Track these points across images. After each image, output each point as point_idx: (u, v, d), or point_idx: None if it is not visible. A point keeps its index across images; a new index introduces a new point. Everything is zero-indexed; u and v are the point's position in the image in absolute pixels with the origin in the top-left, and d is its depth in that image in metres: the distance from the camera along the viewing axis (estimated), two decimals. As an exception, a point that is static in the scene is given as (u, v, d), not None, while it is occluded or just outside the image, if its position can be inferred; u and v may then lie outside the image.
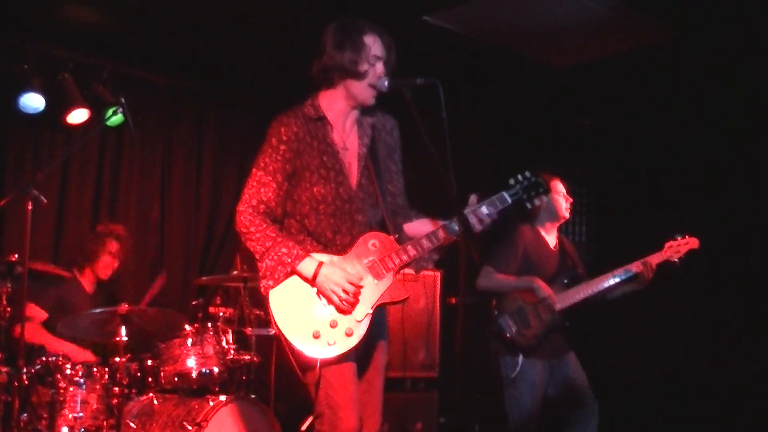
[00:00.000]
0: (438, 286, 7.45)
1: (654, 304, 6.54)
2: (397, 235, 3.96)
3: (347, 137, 3.97)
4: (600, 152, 8.50)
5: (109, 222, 6.79)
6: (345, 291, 3.76)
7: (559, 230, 5.98)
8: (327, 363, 3.76)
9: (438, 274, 7.42)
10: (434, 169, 3.57)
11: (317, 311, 3.79)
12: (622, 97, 7.77)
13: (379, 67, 3.88)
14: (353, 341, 3.78)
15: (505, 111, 8.30)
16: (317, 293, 3.80)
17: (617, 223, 8.39)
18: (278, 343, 3.90)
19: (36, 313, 5.98)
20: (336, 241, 3.89)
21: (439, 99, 3.61)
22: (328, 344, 3.74)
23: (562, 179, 5.87)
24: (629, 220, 8.22)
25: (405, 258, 3.88)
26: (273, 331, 3.85)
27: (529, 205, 4.03)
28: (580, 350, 5.79)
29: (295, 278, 3.81)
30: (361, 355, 3.92)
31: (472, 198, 3.94)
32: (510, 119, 8.48)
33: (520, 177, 3.99)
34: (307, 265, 3.76)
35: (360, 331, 3.80)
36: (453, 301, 7.35)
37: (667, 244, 5.60)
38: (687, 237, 5.60)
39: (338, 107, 3.95)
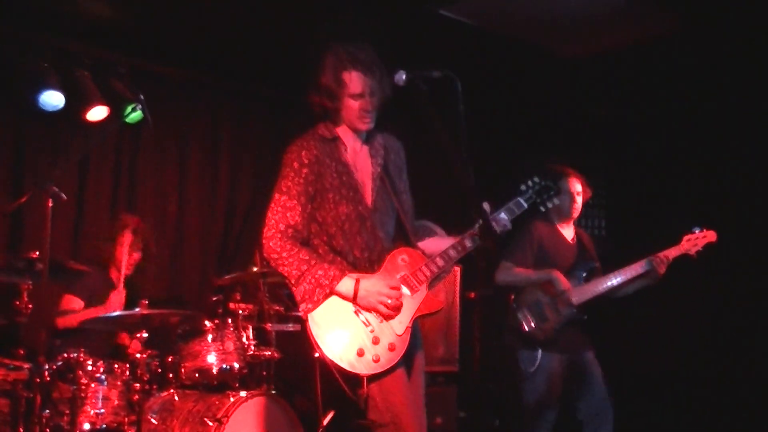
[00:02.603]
0: (457, 281, 7.44)
1: (672, 296, 6.51)
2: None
3: (357, 157, 4.02)
4: (618, 145, 8.47)
5: (123, 215, 6.76)
6: (389, 296, 3.81)
7: (577, 224, 5.97)
8: (377, 377, 3.80)
9: (458, 269, 7.41)
10: (450, 164, 3.56)
11: (358, 329, 3.83)
12: (640, 88, 7.73)
13: (360, 102, 3.92)
14: (396, 356, 3.83)
15: (521, 103, 8.27)
16: (355, 312, 3.84)
17: (636, 216, 8.34)
18: (322, 365, 3.86)
19: (74, 303, 6.06)
20: (364, 258, 3.93)
21: (456, 92, 3.60)
22: (374, 360, 3.79)
23: (577, 174, 5.84)
24: (648, 213, 8.18)
25: (435, 269, 3.95)
26: (317, 355, 3.84)
27: (543, 209, 4.14)
28: (598, 342, 5.78)
29: (331, 299, 3.84)
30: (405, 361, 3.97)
31: (485, 206, 3.96)
32: (526, 111, 8.44)
33: (530, 182, 4.11)
34: (347, 284, 3.81)
35: (402, 345, 3.85)
36: (472, 295, 7.35)
37: (685, 238, 5.57)
38: (705, 230, 5.56)
39: (343, 132, 4.03)
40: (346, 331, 3.81)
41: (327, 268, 3.82)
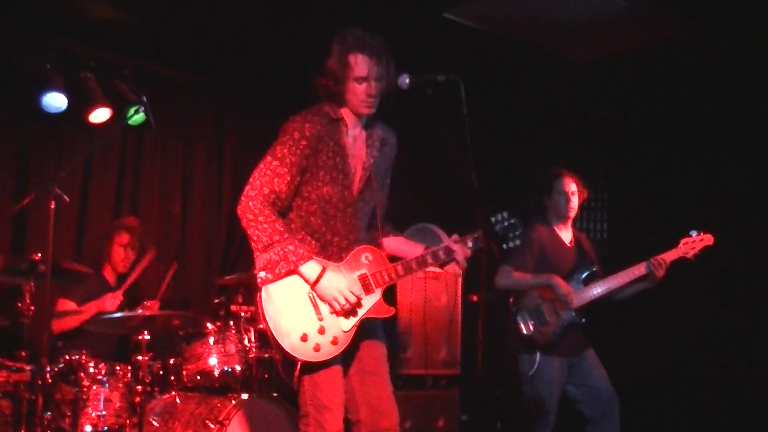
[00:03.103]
0: (459, 284, 7.44)
1: (670, 296, 6.50)
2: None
3: (355, 144, 4.01)
4: (620, 148, 8.47)
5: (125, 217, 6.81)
6: (347, 299, 3.81)
7: (576, 227, 5.98)
8: (311, 365, 3.81)
9: (460, 271, 7.38)
10: (453, 166, 3.56)
11: (308, 315, 3.83)
12: (643, 92, 7.73)
13: (364, 86, 3.90)
14: (337, 350, 3.84)
15: (524, 106, 8.27)
16: (310, 297, 3.83)
17: (637, 218, 8.34)
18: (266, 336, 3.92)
19: (67, 307, 6.06)
20: (334, 242, 3.94)
21: (460, 96, 3.60)
22: (314, 349, 3.79)
23: (572, 174, 5.85)
24: (649, 216, 8.18)
25: (394, 276, 3.96)
26: (261, 326, 3.86)
27: (504, 246, 4.12)
28: (599, 344, 5.78)
29: (291, 278, 3.82)
30: (358, 349, 3.98)
31: (454, 237, 4.04)
32: (529, 114, 8.45)
33: (499, 216, 4.08)
34: (312, 268, 3.80)
35: (344, 341, 3.85)
36: (474, 298, 7.34)
37: (682, 241, 5.60)
38: (702, 234, 5.60)
39: (346, 115, 4.01)
40: (296, 314, 3.81)
41: (297, 246, 3.80)
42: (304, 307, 3.82)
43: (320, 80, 3.97)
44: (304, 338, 3.77)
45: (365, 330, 3.95)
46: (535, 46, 6.86)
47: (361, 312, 3.89)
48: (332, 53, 3.94)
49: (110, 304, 6.00)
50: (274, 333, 3.77)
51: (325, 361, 3.81)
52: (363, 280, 3.92)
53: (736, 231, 6.91)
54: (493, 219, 4.04)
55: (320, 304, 3.84)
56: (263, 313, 3.79)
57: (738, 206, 7.45)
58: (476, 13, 6.31)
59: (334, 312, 3.83)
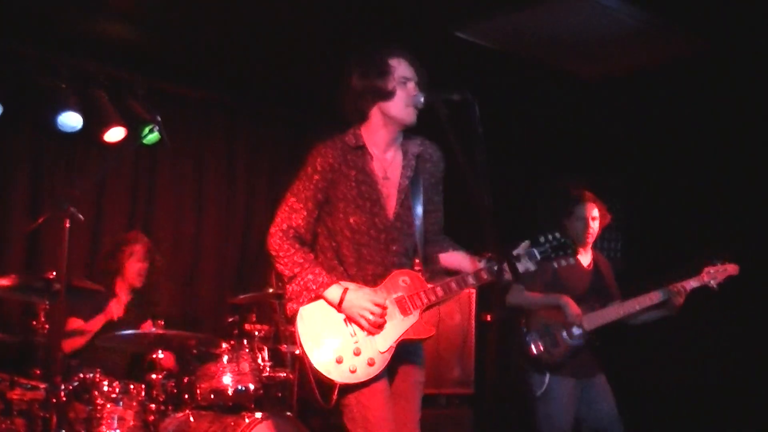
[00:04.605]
0: (473, 303, 7.43)
1: (687, 322, 6.47)
2: (428, 269, 4.01)
3: (389, 166, 3.98)
4: (636, 165, 8.45)
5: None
6: (372, 313, 3.80)
7: (594, 247, 5.92)
8: (352, 387, 3.79)
9: (473, 290, 7.39)
10: (469, 186, 3.55)
11: (343, 337, 3.82)
12: (655, 110, 7.72)
13: (410, 86, 3.89)
14: (374, 371, 3.81)
15: (538, 124, 8.27)
16: (344, 320, 3.84)
17: (653, 237, 8.32)
18: (300, 362, 3.94)
19: (77, 326, 6.06)
20: (368, 271, 3.91)
21: (475, 115, 3.60)
22: (350, 371, 3.77)
23: (596, 199, 5.79)
24: (665, 235, 8.16)
25: (433, 298, 3.92)
26: (297, 351, 3.89)
27: (555, 265, 4.04)
28: (610, 362, 5.75)
29: (323, 302, 3.85)
30: (395, 373, 3.96)
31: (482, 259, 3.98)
32: (543, 133, 8.45)
33: (550, 236, 3.97)
34: (333, 292, 3.82)
35: (382, 362, 3.83)
36: (488, 317, 7.33)
37: (706, 269, 5.51)
38: (726, 263, 5.50)
39: (379, 137, 3.96)
40: (331, 336, 3.81)
41: (318, 274, 3.83)
42: (338, 329, 3.83)
43: (350, 99, 3.93)
44: (339, 360, 3.77)
45: (403, 352, 3.92)
46: (547, 64, 6.87)
47: (397, 333, 3.86)
48: (365, 66, 3.90)
49: (116, 309, 6.03)
50: (309, 356, 3.78)
51: (365, 382, 3.79)
52: (400, 302, 3.89)
53: (751, 248, 6.86)
54: (542, 238, 3.96)
55: (355, 326, 3.84)
56: (298, 339, 3.82)
57: (753, 224, 7.41)
58: (488, 32, 6.33)
59: (364, 330, 3.82)
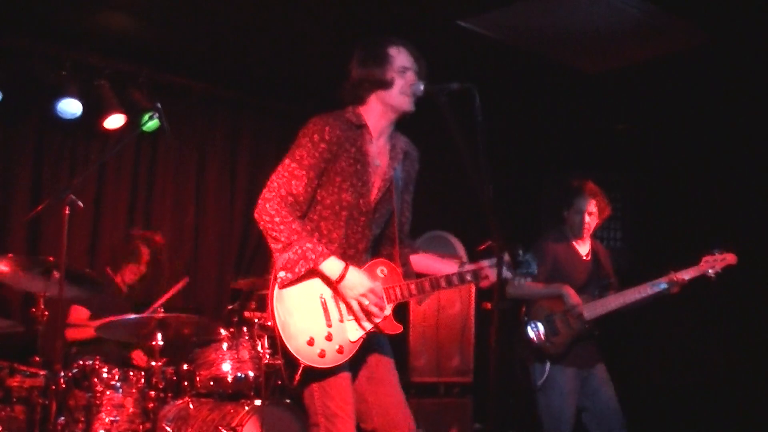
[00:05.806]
0: (473, 292, 7.42)
1: (688, 313, 6.48)
2: (403, 269, 3.99)
3: (379, 153, 3.95)
4: (635, 157, 8.44)
5: (145, 228, 6.84)
6: (373, 299, 3.75)
7: (594, 237, 5.93)
8: (319, 373, 3.75)
9: (473, 280, 7.38)
10: (468, 176, 3.54)
11: (317, 320, 3.76)
12: (657, 102, 7.71)
13: (409, 75, 3.87)
14: (342, 359, 3.76)
15: (538, 116, 8.26)
16: (322, 302, 3.77)
17: (653, 228, 8.31)
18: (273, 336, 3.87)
19: (80, 314, 6.10)
20: (341, 250, 3.85)
21: (475, 104, 3.58)
22: (318, 355, 3.71)
23: (596, 193, 5.78)
24: (665, 226, 8.15)
25: (407, 294, 3.90)
26: (269, 323, 3.79)
27: (522, 280, 4.00)
28: (611, 356, 5.75)
29: (304, 282, 3.76)
30: (366, 362, 3.94)
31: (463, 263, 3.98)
32: (544, 125, 8.44)
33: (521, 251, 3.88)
34: (334, 265, 3.72)
35: (350, 350, 3.78)
36: (488, 306, 7.32)
37: (704, 259, 5.49)
38: (724, 253, 5.48)
39: (374, 122, 3.93)
40: (306, 317, 3.73)
41: (316, 244, 3.72)
42: (314, 311, 3.76)
43: (348, 84, 3.92)
44: (310, 342, 3.70)
45: (372, 343, 3.89)
46: (549, 56, 6.85)
47: (369, 325, 3.82)
48: (366, 54, 3.89)
49: (124, 310, 6.04)
50: (281, 333, 3.70)
51: (330, 368, 3.75)
52: None
53: (754, 242, 6.86)
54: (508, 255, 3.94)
55: (331, 310, 3.78)
56: (273, 312, 3.72)
57: (754, 215, 7.40)
58: (489, 22, 6.31)
59: (352, 313, 3.78)
